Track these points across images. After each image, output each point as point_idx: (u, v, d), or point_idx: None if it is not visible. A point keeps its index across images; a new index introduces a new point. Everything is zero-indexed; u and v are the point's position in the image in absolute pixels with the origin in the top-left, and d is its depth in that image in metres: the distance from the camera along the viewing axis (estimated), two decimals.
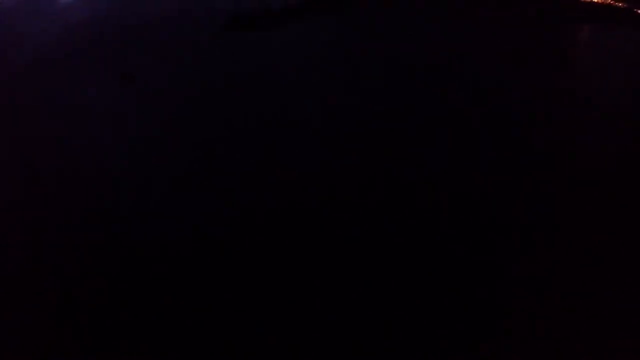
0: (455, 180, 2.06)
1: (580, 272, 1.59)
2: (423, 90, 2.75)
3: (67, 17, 4.57)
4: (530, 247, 1.76)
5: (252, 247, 1.88)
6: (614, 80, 3.28)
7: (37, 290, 1.81)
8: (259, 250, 1.85)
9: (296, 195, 2.11)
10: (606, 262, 1.60)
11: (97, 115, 3.06)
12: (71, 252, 2.05)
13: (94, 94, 3.26)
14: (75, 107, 3.24)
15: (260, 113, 2.84)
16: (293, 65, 3.43)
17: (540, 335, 1.40)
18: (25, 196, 2.39)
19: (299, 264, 1.76)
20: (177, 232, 1.98)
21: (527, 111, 2.60)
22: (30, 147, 2.77)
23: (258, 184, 2.20)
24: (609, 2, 4.85)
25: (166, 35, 3.88)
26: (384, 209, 1.94)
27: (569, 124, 2.52)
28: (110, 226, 2.08)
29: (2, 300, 1.58)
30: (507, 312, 1.51)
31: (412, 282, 1.68)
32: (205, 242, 1.84)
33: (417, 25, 3.63)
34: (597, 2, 4.80)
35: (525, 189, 2.08)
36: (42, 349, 1.43)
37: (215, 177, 2.35)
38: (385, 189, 2.07)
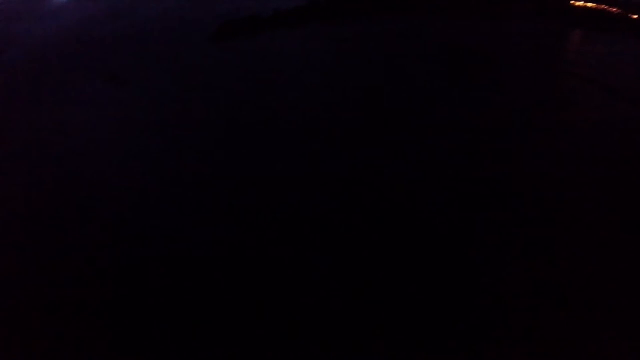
0: (455, 180, 2.05)
1: (580, 272, 1.58)
2: (421, 94, 2.74)
3: (62, 19, 4.52)
4: (531, 247, 1.75)
5: (251, 246, 1.86)
6: (609, 84, 3.25)
7: (38, 291, 1.81)
8: (258, 250, 1.84)
9: (296, 195, 2.09)
10: (607, 262, 1.59)
11: (90, 116, 3.03)
12: (62, 258, 2.04)
13: (90, 96, 3.22)
14: (71, 108, 3.21)
15: (255, 116, 2.82)
16: (289, 69, 3.38)
17: (541, 335, 1.39)
18: (23, 199, 2.37)
19: (298, 264, 1.75)
20: (175, 234, 1.96)
21: (524, 113, 2.58)
22: (26, 151, 2.75)
23: (255, 186, 2.19)
24: (603, 7, 4.81)
25: (162, 38, 3.83)
26: (383, 209, 1.93)
27: (564, 126, 2.50)
28: (107, 228, 2.06)
29: (2, 301, 1.58)
30: (507, 312, 1.50)
31: (411, 282, 1.67)
32: (204, 243, 1.83)
33: (416, 29, 3.61)
34: (591, 7, 4.77)
35: (525, 188, 2.06)
36: (42, 349, 1.44)
37: (214, 178, 2.33)
38: (385, 189, 2.05)
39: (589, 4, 4.92)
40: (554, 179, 2.25)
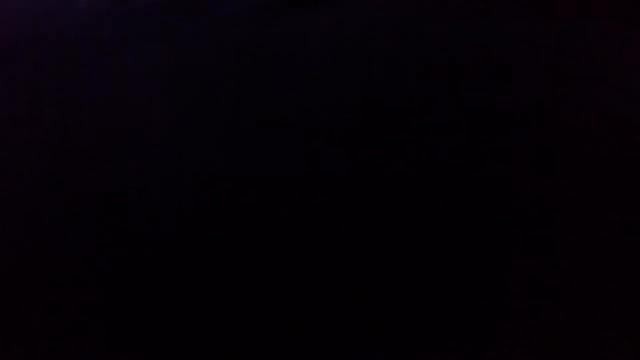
0: (455, 180, 2.07)
1: (580, 272, 1.59)
2: (421, 94, 2.75)
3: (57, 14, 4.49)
4: (531, 247, 1.77)
5: (251, 246, 1.88)
6: (614, 82, 3.25)
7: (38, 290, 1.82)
8: (258, 250, 1.85)
9: (296, 195, 2.11)
10: (607, 262, 1.60)
11: (89, 115, 3.04)
12: (62, 258, 2.06)
13: (90, 95, 3.26)
14: (70, 109, 3.22)
15: (254, 116, 2.84)
16: (288, 68, 3.41)
17: (541, 335, 1.41)
18: (23, 199, 2.40)
19: (298, 264, 1.77)
20: (174, 234, 1.98)
21: (524, 113, 2.59)
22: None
23: (255, 186, 2.21)
24: None
25: (161, 36, 3.85)
26: (384, 209, 1.95)
27: (564, 126, 2.51)
28: (108, 228, 2.08)
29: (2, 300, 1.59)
30: (507, 312, 1.52)
31: (411, 281, 1.69)
32: (204, 243, 1.84)
33: (416, 27, 3.63)
34: None
35: (525, 188, 2.08)
36: (41, 349, 1.44)
37: (214, 178, 2.36)
38: (385, 189, 2.07)
39: None
40: (554, 179, 2.26)
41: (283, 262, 1.80)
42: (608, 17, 3.08)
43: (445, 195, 2.00)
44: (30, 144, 2.62)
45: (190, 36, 3.56)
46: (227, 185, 2.34)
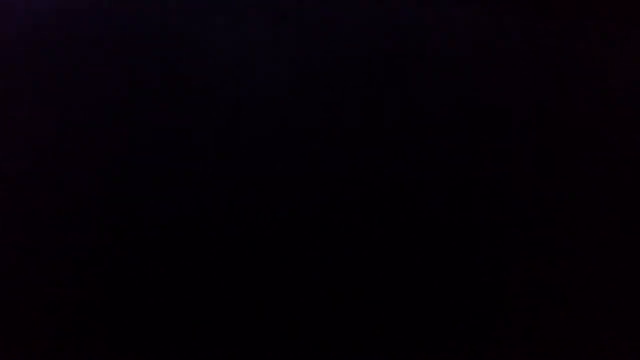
0: (455, 180, 2.06)
1: (580, 272, 1.60)
2: (421, 94, 2.74)
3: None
4: (531, 247, 1.77)
5: (251, 246, 1.88)
6: (613, 82, 3.24)
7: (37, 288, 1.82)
8: (258, 250, 1.85)
9: (296, 195, 2.11)
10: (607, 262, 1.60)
11: (89, 114, 3.04)
12: (62, 258, 2.05)
13: (91, 94, 3.28)
14: (69, 108, 3.22)
15: (254, 116, 2.83)
16: (286, 67, 3.41)
17: (541, 335, 1.41)
18: (23, 199, 2.39)
19: (298, 264, 1.77)
20: (174, 234, 1.97)
21: (524, 113, 2.58)
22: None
23: (255, 186, 2.20)
24: None
25: (157, 38, 3.89)
26: (384, 209, 1.94)
27: (564, 126, 2.51)
28: (107, 228, 2.08)
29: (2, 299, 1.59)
30: (507, 312, 1.52)
31: (411, 281, 1.69)
32: (204, 243, 1.84)
33: (415, 27, 3.61)
34: None
35: (525, 188, 2.07)
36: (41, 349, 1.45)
37: (214, 178, 2.35)
38: (385, 189, 2.07)
39: None
40: (554, 179, 2.25)
41: (283, 262, 1.80)
42: (608, 17, 3.06)
43: (445, 195, 2.00)
44: (30, 144, 2.60)
45: (190, 39, 3.57)
46: (227, 185, 2.33)
